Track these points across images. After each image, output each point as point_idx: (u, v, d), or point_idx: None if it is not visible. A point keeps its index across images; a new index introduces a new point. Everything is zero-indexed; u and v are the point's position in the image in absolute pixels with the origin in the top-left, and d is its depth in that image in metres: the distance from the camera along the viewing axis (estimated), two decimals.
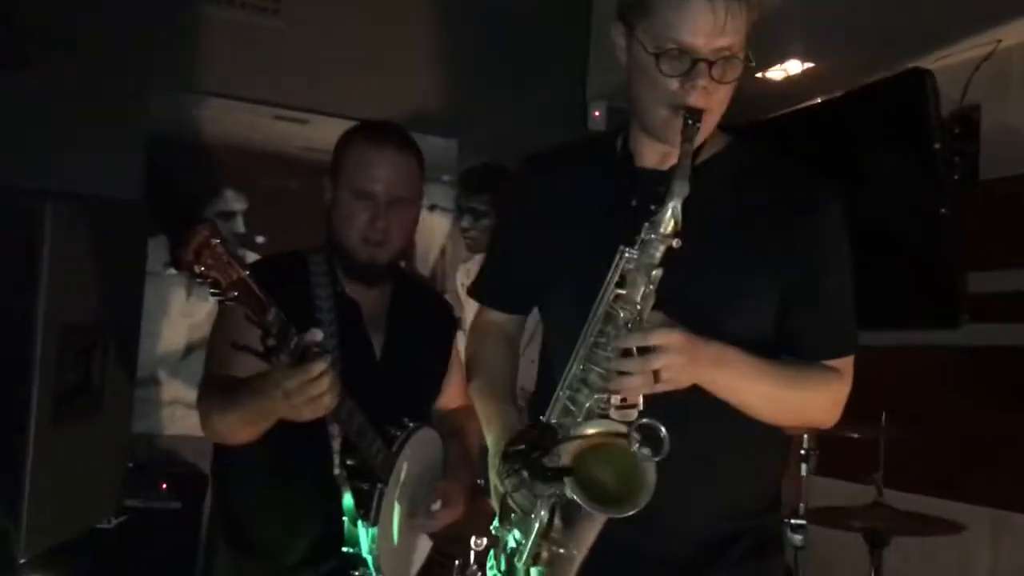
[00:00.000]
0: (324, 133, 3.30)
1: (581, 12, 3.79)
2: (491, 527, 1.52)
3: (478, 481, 2.52)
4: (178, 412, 3.10)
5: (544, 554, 1.43)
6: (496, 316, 1.78)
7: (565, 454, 1.37)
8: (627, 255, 1.40)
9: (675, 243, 1.38)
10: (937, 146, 2.75)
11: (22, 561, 1.91)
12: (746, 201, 1.54)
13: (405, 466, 1.97)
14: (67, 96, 3.04)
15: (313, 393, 1.62)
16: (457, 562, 2.55)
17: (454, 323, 2.37)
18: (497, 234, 1.80)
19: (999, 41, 2.93)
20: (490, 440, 1.60)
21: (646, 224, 1.39)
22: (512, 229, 1.74)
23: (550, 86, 3.74)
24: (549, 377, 1.59)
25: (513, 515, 1.46)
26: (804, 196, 1.56)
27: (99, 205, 2.20)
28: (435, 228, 3.58)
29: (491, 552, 1.56)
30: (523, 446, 1.37)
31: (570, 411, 1.44)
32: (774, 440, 1.62)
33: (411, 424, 2.01)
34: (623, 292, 1.40)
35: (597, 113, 3.76)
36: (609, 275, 1.41)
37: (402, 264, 2.40)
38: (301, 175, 3.32)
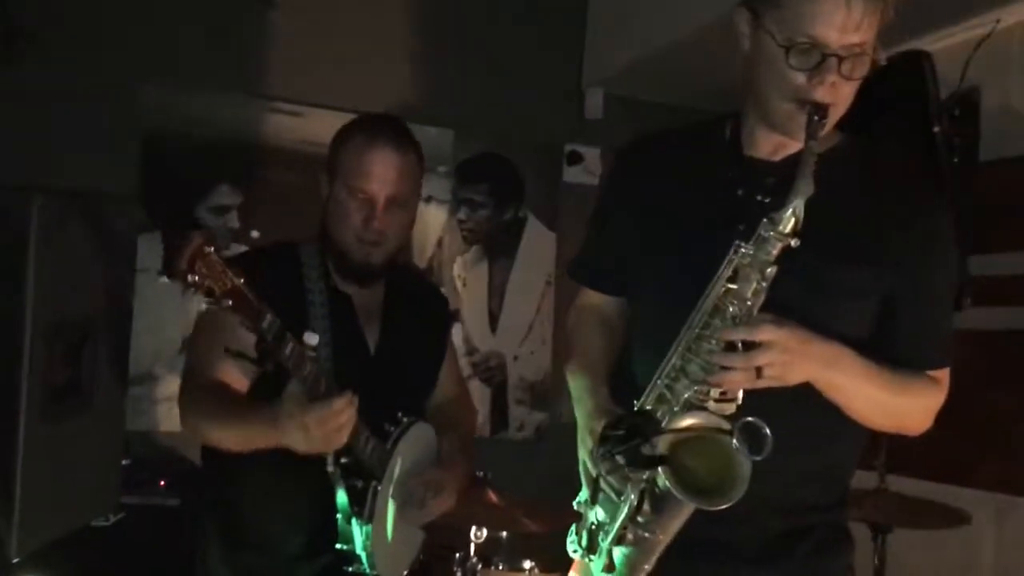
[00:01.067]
0: (319, 126, 3.28)
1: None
2: (574, 502, 1.54)
3: (478, 473, 2.51)
4: (175, 409, 3.05)
5: (630, 536, 1.45)
6: (595, 297, 1.76)
7: (662, 441, 1.37)
8: (742, 250, 1.40)
9: (794, 242, 1.37)
10: (936, 129, 2.72)
11: (15, 560, 1.90)
12: (857, 197, 1.53)
13: (399, 461, 1.95)
14: (60, 90, 3.01)
15: (331, 428, 1.62)
16: (458, 555, 2.54)
17: (449, 315, 2.36)
18: (599, 214, 1.76)
19: (998, 21, 2.89)
20: (581, 417, 1.59)
21: (765, 220, 1.38)
22: (614, 210, 1.72)
23: (546, 74, 3.70)
24: (635, 361, 1.61)
25: (602, 494, 1.47)
26: (917, 199, 1.55)
27: (88, 200, 2.18)
28: (431, 220, 3.55)
29: (572, 527, 1.58)
30: (622, 431, 1.37)
31: (667, 399, 1.44)
32: (856, 436, 1.61)
33: (405, 419, 1.99)
34: (734, 287, 1.40)
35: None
36: (721, 268, 1.41)
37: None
38: (296, 169, 3.30)
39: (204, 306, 1.55)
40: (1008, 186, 2.92)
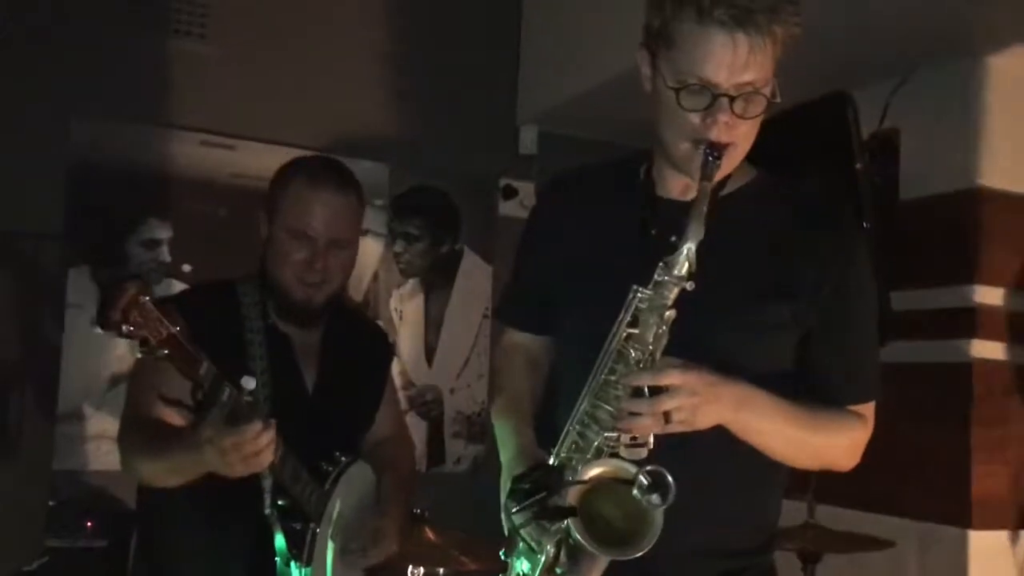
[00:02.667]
0: (252, 159, 3.26)
1: (511, 36, 3.81)
2: (499, 553, 1.52)
3: (415, 511, 2.50)
4: (104, 446, 3.01)
5: None
6: (519, 336, 1.75)
7: (572, 492, 1.36)
8: (640, 295, 1.39)
9: (689, 286, 1.37)
10: (859, 166, 2.81)
11: None
12: (771, 234, 1.52)
13: (338, 503, 1.94)
14: None
15: (249, 452, 1.60)
16: None
17: (389, 351, 2.36)
18: (518, 253, 1.76)
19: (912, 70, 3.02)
20: (504, 463, 1.57)
21: (660, 264, 1.38)
22: (531, 250, 1.73)
23: (481, 109, 3.73)
24: (558, 401, 1.58)
25: (520, 546, 1.45)
26: (833, 231, 1.54)
27: (10, 239, 2.13)
28: (367, 253, 3.54)
29: None
30: (528, 485, 1.37)
31: (579, 447, 1.43)
32: (777, 477, 1.60)
33: (343, 459, 1.98)
34: (635, 331, 1.39)
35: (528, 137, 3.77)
36: (621, 314, 1.40)
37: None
38: (228, 202, 3.26)
39: (139, 354, 1.53)
40: (927, 223, 3.03)
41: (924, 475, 2.99)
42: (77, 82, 3.11)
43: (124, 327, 1.45)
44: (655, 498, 1.31)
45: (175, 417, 1.79)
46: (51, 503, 2.69)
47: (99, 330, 1.47)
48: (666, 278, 1.38)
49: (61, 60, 3.08)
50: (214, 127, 3.31)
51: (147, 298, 1.48)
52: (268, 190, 2.00)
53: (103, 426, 3.01)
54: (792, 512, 2.72)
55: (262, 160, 2.09)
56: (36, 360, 2.15)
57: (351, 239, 1.99)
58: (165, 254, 3.22)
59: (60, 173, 3.08)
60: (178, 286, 3.12)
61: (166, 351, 1.51)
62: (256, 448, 1.59)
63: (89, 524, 2.87)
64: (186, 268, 3.22)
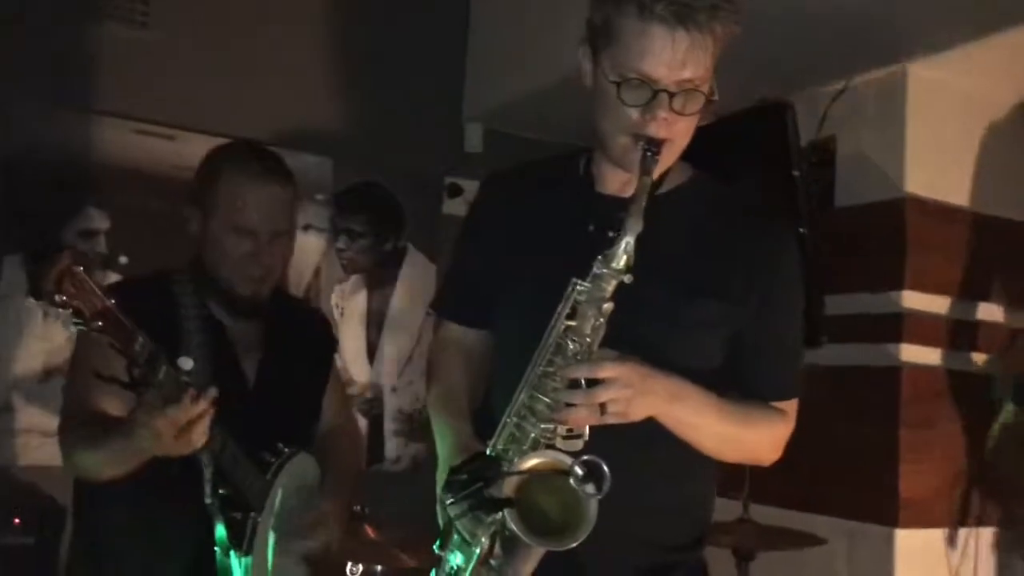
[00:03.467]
0: (192, 150, 3.18)
1: (458, 31, 3.80)
2: (433, 546, 1.52)
3: (355, 508, 2.49)
4: (34, 441, 2.94)
5: None
6: (455, 329, 1.75)
7: (509, 483, 1.37)
8: (579, 288, 1.41)
9: (627, 279, 1.39)
10: (796, 173, 2.87)
11: None
12: (705, 234, 1.55)
13: (280, 493, 1.93)
14: None
15: (183, 429, 1.57)
16: None
17: (332, 341, 2.34)
18: (458, 247, 1.77)
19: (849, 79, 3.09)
20: (440, 455, 1.57)
21: (599, 257, 1.40)
22: (471, 243, 1.73)
23: (426, 105, 3.72)
24: (494, 394, 1.60)
25: (455, 538, 1.45)
26: (764, 233, 1.58)
27: None
28: (309, 248, 3.51)
29: (433, 571, 1.55)
30: (465, 476, 1.37)
31: (516, 438, 1.44)
32: (708, 471, 1.63)
33: (286, 450, 1.97)
34: (573, 324, 1.41)
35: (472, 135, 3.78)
36: (560, 306, 1.42)
37: None
38: (167, 193, 3.20)
39: (73, 328, 1.50)
40: (861, 229, 3.11)
41: (854, 475, 3.06)
42: (16, 68, 3.02)
43: (57, 297, 1.42)
44: (590, 487, 1.33)
45: (117, 407, 1.76)
46: None
47: (32, 300, 1.44)
48: (604, 271, 1.39)
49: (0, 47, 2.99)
50: (154, 116, 3.25)
51: (81, 268, 1.45)
52: (196, 183, 1.96)
53: (33, 420, 2.94)
54: (727, 510, 2.78)
55: (202, 151, 2.05)
56: None
57: (290, 229, 1.99)
58: (102, 245, 3.15)
59: None
60: (114, 278, 3.04)
61: (100, 323, 1.48)
62: (187, 419, 1.57)
63: (16, 521, 2.81)
64: (123, 260, 3.16)
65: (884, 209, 3.06)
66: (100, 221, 3.16)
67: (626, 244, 1.38)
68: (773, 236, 1.59)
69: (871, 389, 3.06)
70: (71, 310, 1.45)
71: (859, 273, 3.09)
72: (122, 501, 1.83)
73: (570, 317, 1.41)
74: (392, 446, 3.66)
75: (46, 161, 3.08)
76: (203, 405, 1.59)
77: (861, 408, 3.07)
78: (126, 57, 3.21)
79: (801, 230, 2.80)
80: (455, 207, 3.75)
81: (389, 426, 3.65)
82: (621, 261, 1.39)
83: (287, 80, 3.47)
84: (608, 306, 1.41)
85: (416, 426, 3.67)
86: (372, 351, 3.64)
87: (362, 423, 3.57)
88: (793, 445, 1.64)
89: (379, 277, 3.67)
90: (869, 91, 3.11)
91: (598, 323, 1.41)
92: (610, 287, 1.40)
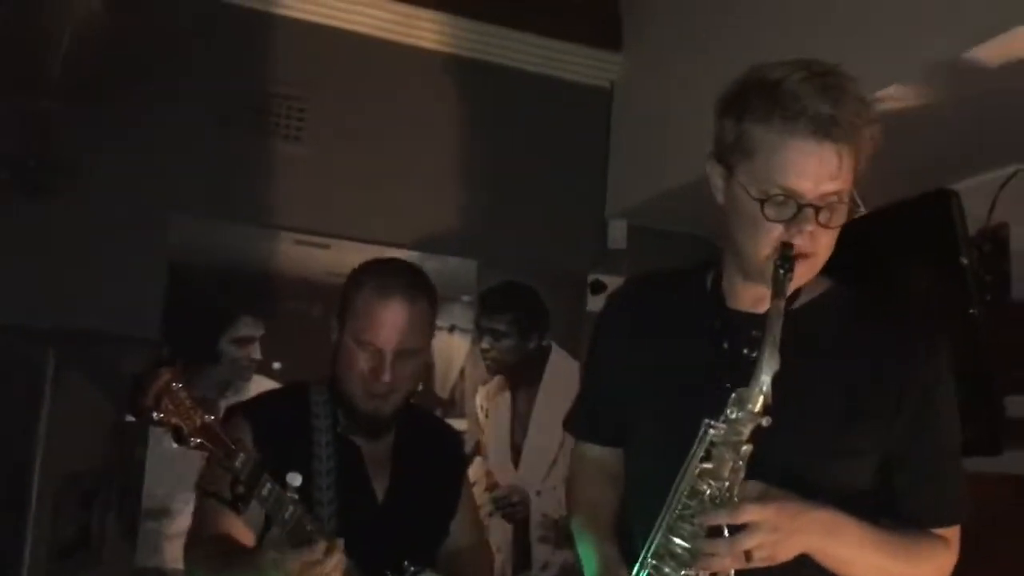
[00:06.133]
0: (345, 257, 3.29)
1: (600, 129, 3.81)
2: None
3: None
4: None
5: None
6: (591, 448, 1.73)
7: None
8: (712, 431, 1.35)
9: (765, 421, 1.33)
10: (965, 261, 2.68)
11: None
12: (846, 351, 1.48)
13: None
14: (88, 226, 3.04)
15: (316, 574, 1.56)
16: None
17: (463, 457, 2.31)
18: (588, 365, 1.77)
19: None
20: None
21: (733, 397, 1.34)
22: (601, 362, 1.71)
23: (569, 204, 3.72)
24: (632, 514, 1.56)
25: None
26: (911, 348, 1.49)
27: (106, 344, 2.17)
28: (454, 349, 3.52)
29: None
30: None
31: None
32: None
33: (412, 568, 1.92)
34: (709, 467, 1.35)
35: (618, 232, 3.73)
36: (693, 449, 1.37)
37: (419, 388, 2.35)
38: (322, 300, 3.30)
39: (175, 446, 1.52)
40: None
41: None
42: (178, 182, 3.20)
43: (155, 414, 1.45)
44: None
45: (243, 531, 1.77)
46: None
47: (131, 418, 1.46)
48: (740, 414, 1.33)
49: (163, 161, 3.17)
50: (308, 226, 3.37)
51: (180, 385, 1.47)
52: (342, 294, 1.99)
53: (187, 525, 3.02)
54: None
55: (355, 258, 2.09)
56: (124, 461, 2.16)
57: (421, 347, 1.96)
58: (256, 351, 3.25)
59: (162, 272, 3.15)
60: (268, 383, 3.14)
61: (199, 440, 1.49)
62: (323, 571, 1.55)
63: None
64: (276, 366, 3.25)
65: None
66: (254, 328, 3.26)
67: (761, 384, 1.32)
68: (920, 348, 1.49)
69: None
70: (169, 427, 1.47)
71: None
72: None
73: (705, 459, 1.36)
74: (539, 553, 3.56)
75: (205, 272, 3.22)
76: (338, 557, 1.57)
77: None
78: (281, 170, 3.36)
79: (972, 311, 2.60)
80: (599, 304, 3.68)
81: (535, 532, 3.56)
82: (758, 403, 1.33)
83: (433, 184, 3.55)
84: (746, 449, 1.34)
85: (563, 532, 3.56)
86: (517, 454, 3.58)
87: (507, 529, 3.50)
88: (975, 561, 1.52)
89: (523, 376, 3.63)
90: None
91: (737, 465, 1.34)
92: (747, 430, 1.34)
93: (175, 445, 1.50)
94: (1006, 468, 2.63)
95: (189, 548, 1.86)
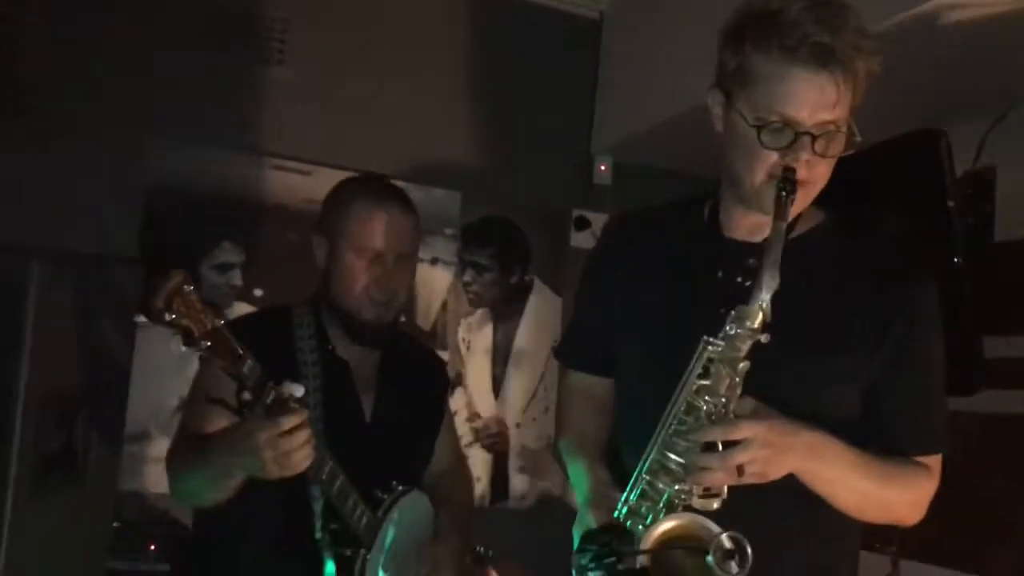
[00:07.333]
0: (326, 185, 3.24)
1: (587, 65, 3.76)
2: None
3: (479, 549, 2.44)
4: None
5: None
6: (581, 377, 1.75)
7: (646, 543, 1.34)
8: (711, 347, 1.36)
9: (763, 338, 1.34)
10: (951, 204, 2.69)
11: None
12: (837, 281, 1.50)
13: (391, 531, 1.91)
14: (63, 147, 2.97)
15: (285, 448, 1.56)
16: None
17: (447, 382, 2.33)
18: (580, 295, 1.77)
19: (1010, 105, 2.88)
20: (579, 502, 1.56)
21: (732, 314, 1.36)
22: (593, 291, 1.72)
23: (555, 140, 3.69)
24: (621, 441, 1.59)
25: None
26: (900, 280, 1.51)
27: (89, 262, 2.14)
28: (437, 282, 3.51)
29: None
30: (597, 547, 1.35)
31: (649, 495, 1.41)
32: (851, 530, 1.57)
33: (399, 487, 1.95)
34: (706, 383, 1.37)
35: (603, 167, 3.71)
36: (691, 365, 1.38)
37: (402, 319, 2.36)
38: (302, 227, 3.25)
39: (183, 349, 1.51)
40: (1023, 266, 2.88)
41: (1013, 532, 2.82)
42: (156, 106, 3.12)
43: (167, 315, 1.44)
44: (732, 566, 1.27)
45: (221, 424, 1.77)
46: (115, 524, 2.69)
47: (142, 318, 1.45)
48: (739, 330, 1.35)
49: (141, 84, 3.10)
50: (289, 152, 3.32)
51: (191, 288, 1.46)
52: (324, 211, 1.99)
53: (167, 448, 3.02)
54: (874, 566, 2.60)
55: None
56: (106, 381, 2.14)
57: (414, 253, 2.01)
58: (237, 278, 3.22)
59: (138, 195, 3.10)
60: (248, 310, 3.12)
61: (208, 343, 1.48)
62: (292, 444, 1.55)
63: (152, 547, 2.87)
64: (258, 292, 3.23)
65: None
66: (235, 255, 3.23)
67: (761, 301, 1.34)
68: (908, 280, 1.53)
69: None
70: (181, 329, 1.46)
71: (1021, 314, 2.85)
72: (236, 535, 1.84)
73: (702, 376, 1.37)
74: (518, 483, 3.60)
75: (183, 197, 3.17)
76: (298, 418, 1.56)
77: (1021, 460, 2.83)
78: (263, 95, 3.30)
79: (956, 259, 2.62)
80: (583, 240, 3.68)
81: (514, 462, 3.60)
82: (756, 320, 1.34)
83: (417, 116, 3.50)
84: (744, 365, 1.36)
85: (542, 463, 3.60)
86: (497, 386, 3.60)
87: (487, 459, 3.53)
88: (946, 497, 1.54)
89: (505, 311, 3.63)
90: None
91: (734, 382, 1.36)
92: (745, 346, 1.35)
93: (183, 348, 1.49)
94: (982, 408, 2.67)
95: (170, 455, 1.86)
